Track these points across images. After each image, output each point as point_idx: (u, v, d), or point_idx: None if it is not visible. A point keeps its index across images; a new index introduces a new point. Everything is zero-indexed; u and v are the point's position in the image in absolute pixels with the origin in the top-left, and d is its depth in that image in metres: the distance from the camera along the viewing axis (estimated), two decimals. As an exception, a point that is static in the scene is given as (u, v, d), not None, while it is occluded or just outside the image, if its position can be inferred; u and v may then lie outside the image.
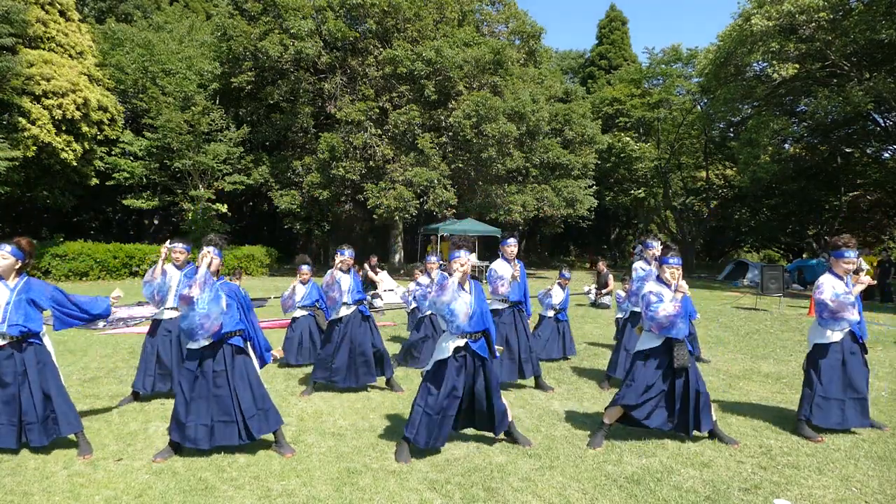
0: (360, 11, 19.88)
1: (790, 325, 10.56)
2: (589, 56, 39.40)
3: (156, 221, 28.69)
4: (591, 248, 40.06)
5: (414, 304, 8.00)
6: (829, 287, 4.56)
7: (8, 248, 3.95)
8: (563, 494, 3.48)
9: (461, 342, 4.06)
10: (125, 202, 20.65)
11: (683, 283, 4.31)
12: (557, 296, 7.43)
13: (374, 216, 20.17)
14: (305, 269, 6.88)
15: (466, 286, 4.16)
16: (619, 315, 8.32)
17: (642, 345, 4.42)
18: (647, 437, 4.47)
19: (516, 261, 5.83)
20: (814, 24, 17.81)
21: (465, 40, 20.27)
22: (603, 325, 10.34)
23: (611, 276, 13.47)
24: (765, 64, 20.11)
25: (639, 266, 6.08)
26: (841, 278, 4.62)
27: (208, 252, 4.00)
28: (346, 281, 5.71)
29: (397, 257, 23.27)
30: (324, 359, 5.68)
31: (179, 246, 5.44)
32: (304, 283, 6.93)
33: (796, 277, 19.53)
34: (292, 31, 18.93)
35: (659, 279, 4.47)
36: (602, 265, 13.91)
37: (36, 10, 15.69)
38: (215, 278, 4.03)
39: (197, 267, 3.99)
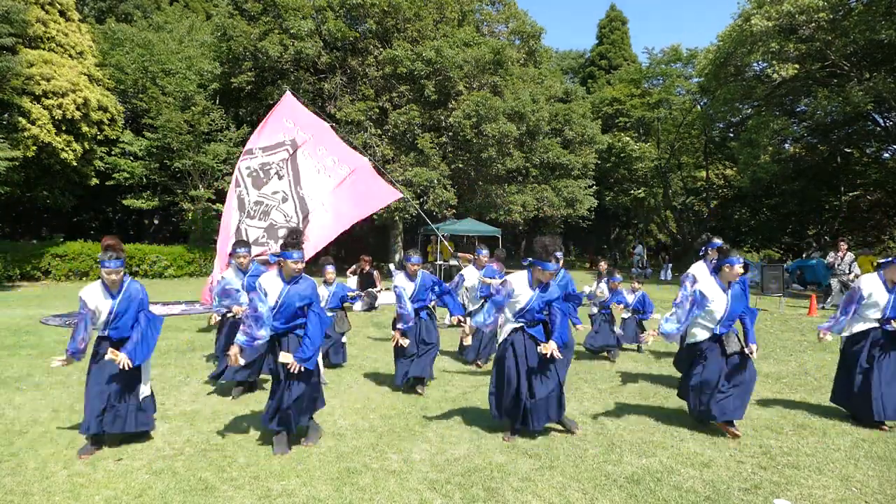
0: (360, 11, 19.85)
1: (790, 325, 10.54)
2: (589, 56, 39.40)
3: (156, 221, 28.67)
4: (591, 248, 40.06)
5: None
6: None
7: (111, 263, 3.97)
8: (563, 494, 3.48)
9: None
10: (125, 202, 20.62)
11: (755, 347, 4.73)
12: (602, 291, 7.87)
13: (374, 216, 20.14)
14: (330, 269, 6.77)
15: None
16: (626, 315, 8.33)
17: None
18: (647, 437, 4.47)
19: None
20: (814, 24, 17.80)
21: (465, 40, 20.24)
22: (603, 325, 10.32)
23: (611, 276, 13.53)
24: (765, 64, 20.09)
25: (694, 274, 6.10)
26: None
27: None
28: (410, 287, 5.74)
29: (397, 257, 23.24)
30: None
31: (242, 251, 5.70)
32: (328, 283, 6.79)
33: (796, 277, 19.51)
34: (292, 31, 18.89)
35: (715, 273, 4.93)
36: (604, 265, 13.98)
37: (36, 10, 15.67)
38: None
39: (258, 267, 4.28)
